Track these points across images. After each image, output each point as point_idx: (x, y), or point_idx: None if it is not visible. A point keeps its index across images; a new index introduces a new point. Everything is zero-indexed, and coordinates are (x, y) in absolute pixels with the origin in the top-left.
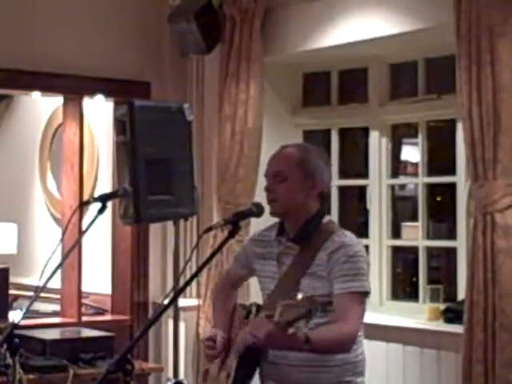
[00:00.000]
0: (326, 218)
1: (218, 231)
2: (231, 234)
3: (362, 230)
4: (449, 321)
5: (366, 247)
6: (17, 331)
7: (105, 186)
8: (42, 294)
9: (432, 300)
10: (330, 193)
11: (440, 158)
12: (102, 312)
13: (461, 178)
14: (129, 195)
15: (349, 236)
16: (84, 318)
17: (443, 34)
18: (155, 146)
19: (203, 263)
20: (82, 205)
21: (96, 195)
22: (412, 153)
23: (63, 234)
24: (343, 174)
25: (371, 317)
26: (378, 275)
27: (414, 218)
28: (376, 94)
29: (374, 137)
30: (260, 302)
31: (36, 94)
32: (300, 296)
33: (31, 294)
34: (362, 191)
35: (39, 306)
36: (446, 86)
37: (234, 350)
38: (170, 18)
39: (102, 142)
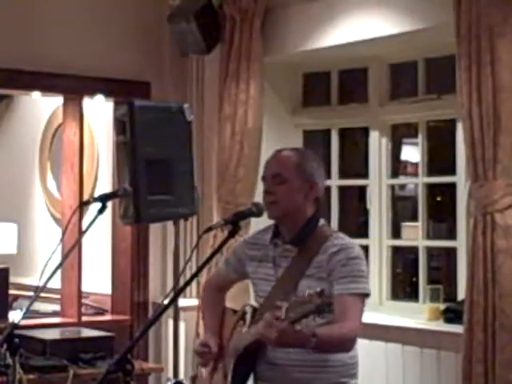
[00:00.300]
0: (321, 221)
1: (218, 231)
2: (231, 234)
3: (362, 230)
4: (449, 321)
5: (366, 247)
6: (17, 331)
7: (105, 186)
8: (42, 294)
9: (432, 300)
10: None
11: (440, 158)
12: (102, 312)
13: (461, 178)
14: (129, 195)
15: (346, 239)
16: (84, 318)
17: (443, 33)
18: (155, 146)
19: (203, 263)
20: (82, 205)
21: (96, 195)
22: (412, 153)
23: (63, 234)
24: (343, 174)
25: (371, 317)
26: (378, 275)
27: (414, 218)
28: (376, 94)
29: (373, 137)
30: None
31: (36, 94)
32: (308, 292)
33: (31, 294)
34: (362, 191)
35: (39, 306)
36: (446, 86)
37: (229, 351)
38: (169, 18)
39: (102, 142)
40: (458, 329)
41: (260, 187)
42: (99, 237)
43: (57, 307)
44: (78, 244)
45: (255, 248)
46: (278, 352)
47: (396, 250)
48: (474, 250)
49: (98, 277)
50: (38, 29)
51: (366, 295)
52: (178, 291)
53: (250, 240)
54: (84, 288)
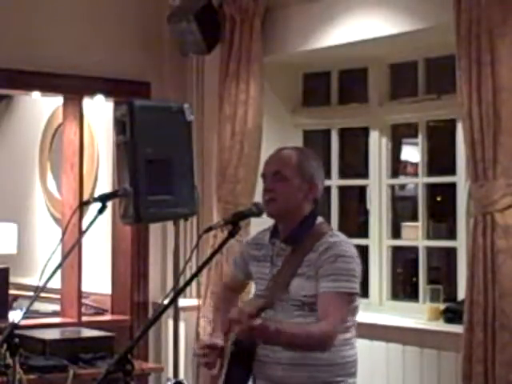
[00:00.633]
0: (319, 220)
1: (218, 231)
2: (231, 234)
3: (362, 230)
4: (449, 321)
5: (366, 247)
6: (17, 331)
7: (105, 186)
8: (42, 294)
9: (432, 300)
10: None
11: (440, 158)
12: (102, 312)
13: (461, 178)
14: (129, 195)
15: (341, 237)
16: (84, 318)
17: (443, 34)
18: (155, 146)
19: (203, 263)
20: (82, 205)
21: (96, 195)
22: (412, 153)
23: (63, 234)
24: (343, 174)
25: (371, 317)
26: (378, 275)
27: (414, 218)
28: (376, 94)
29: (373, 137)
30: None
31: (36, 94)
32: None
33: (31, 294)
34: (362, 191)
35: (39, 306)
36: (446, 86)
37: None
38: (169, 18)
39: (102, 142)
40: (458, 329)
41: (260, 187)
42: (99, 237)
43: (57, 307)
44: (78, 244)
45: (257, 248)
46: (265, 349)
47: (396, 250)
48: (473, 249)
49: (97, 277)
50: (38, 29)
51: (353, 294)
52: (178, 291)
53: (252, 240)
54: (84, 288)
